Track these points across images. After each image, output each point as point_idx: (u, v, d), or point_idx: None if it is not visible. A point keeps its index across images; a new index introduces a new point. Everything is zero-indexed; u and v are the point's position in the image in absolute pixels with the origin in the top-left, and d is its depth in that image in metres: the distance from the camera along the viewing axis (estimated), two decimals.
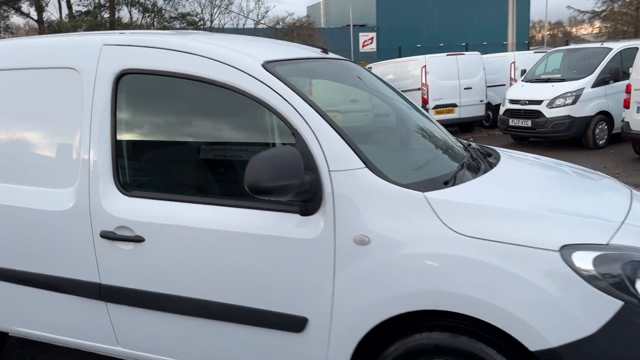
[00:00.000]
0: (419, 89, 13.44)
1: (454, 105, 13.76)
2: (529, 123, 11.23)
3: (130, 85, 2.82)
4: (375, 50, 37.23)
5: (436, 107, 13.53)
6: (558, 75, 11.53)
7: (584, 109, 10.75)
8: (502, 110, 12.05)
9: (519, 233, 2.20)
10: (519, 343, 2.15)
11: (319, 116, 2.45)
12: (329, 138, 2.40)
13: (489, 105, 14.49)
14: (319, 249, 2.38)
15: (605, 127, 11.05)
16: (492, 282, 2.15)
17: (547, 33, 55.86)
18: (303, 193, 2.33)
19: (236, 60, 2.60)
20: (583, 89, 10.79)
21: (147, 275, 2.74)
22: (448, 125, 13.86)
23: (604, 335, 2.06)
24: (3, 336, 3.46)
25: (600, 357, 2.08)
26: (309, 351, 2.51)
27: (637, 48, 11.39)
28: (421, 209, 2.29)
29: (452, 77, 13.65)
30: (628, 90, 9.53)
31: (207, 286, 2.63)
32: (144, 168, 2.91)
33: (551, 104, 10.84)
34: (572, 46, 14.08)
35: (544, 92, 11.12)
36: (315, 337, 2.47)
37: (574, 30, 65.41)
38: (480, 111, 14.22)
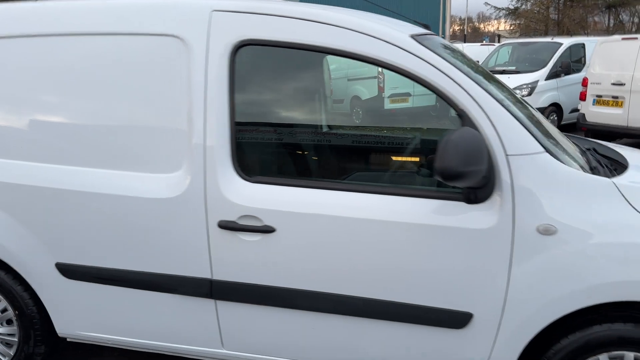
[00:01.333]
0: (375, 77, 13.43)
1: (408, 95, 13.89)
2: None
3: (249, 59, 2.52)
4: None
5: (391, 95, 13.60)
6: (513, 68, 11.92)
7: (538, 101, 11.19)
8: None
9: None
10: None
11: (489, 95, 2.28)
12: (503, 119, 2.25)
13: None
14: (494, 239, 2.24)
15: (556, 118, 11.56)
16: None
17: (458, 28, 57.87)
18: (482, 179, 2.17)
19: (384, 32, 2.38)
20: (537, 81, 11.22)
21: (276, 269, 2.47)
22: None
23: None
24: (54, 341, 3.03)
25: None
26: (468, 349, 2.36)
27: (583, 44, 12.03)
28: (611, 196, 2.20)
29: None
30: (585, 83, 9.99)
31: (349, 280, 2.41)
32: (268, 151, 2.62)
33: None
34: (521, 40, 14.59)
35: None
36: (479, 333, 2.33)
37: (482, 26, 68.35)
38: (432, 101, 14.43)
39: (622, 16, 35.77)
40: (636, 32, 29.64)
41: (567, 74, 11.42)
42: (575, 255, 2.17)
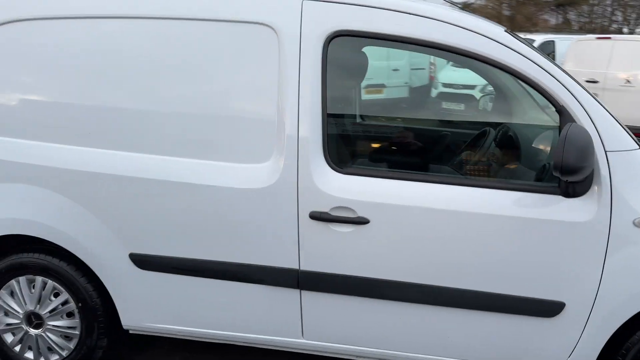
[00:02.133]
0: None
1: (383, 86, 14.05)
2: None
3: (342, 49, 2.51)
4: None
5: (366, 86, 13.68)
6: None
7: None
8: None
9: None
10: None
11: (585, 91, 2.36)
12: (601, 116, 2.33)
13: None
14: (591, 232, 2.32)
15: None
16: None
17: None
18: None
19: (481, 27, 2.42)
20: None
21: (368, 261, 2.49)
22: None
23: None
24: (116, 334, 2.95)
25: None
26: (557, 338, 2.45)
27: (553, 42, 12.44)
28: None
29: (381, 58, 13.86)
30: None
31: (441, 271, 2.45)
32: (358, 143, 2.62)
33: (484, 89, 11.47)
34: None
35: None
36: (569, 323, 2.42)
37: None
38: (404, 93, 14.63)
39: (569, 15, 37.13)
40: (579, 30, 30.80)
41: None
42: None
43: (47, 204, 2.68)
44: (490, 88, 3.42)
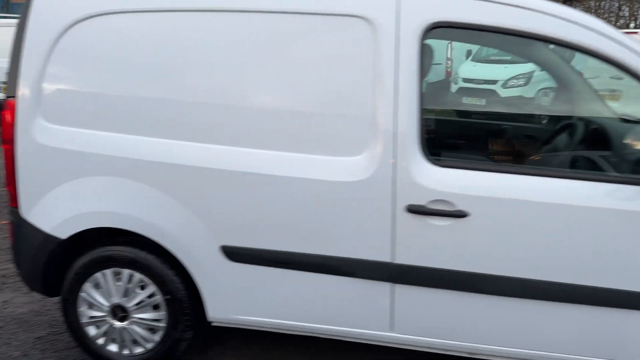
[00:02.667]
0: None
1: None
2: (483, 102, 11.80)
3: (438, 42, 2.51)
4: None
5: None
6: (509, 57, 12.18)
7: (534, 91, 11.52)
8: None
9: None
10: None
11: None
12: None
13: None
14: None
15: None
16: None
17: None
18: None
19: (582, 18, 2.42)
20: (534, 71, 11.52)
21: (465, 254, 2.49)
22: None
23: None
24: (200, 326, 2.96)
25: None
26: None
27: None
28: None
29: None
30: None
31: (543, 265, 2.45)
32: (454, 136, 2.62)
33: (505, 84, 11.46)
34: None
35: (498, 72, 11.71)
36: None
37: None
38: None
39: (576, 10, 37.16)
40: None
41: None
42: None
43: (140, 197, 2.69)
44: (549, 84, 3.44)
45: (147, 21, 2.63)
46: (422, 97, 2.47)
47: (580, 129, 2.67)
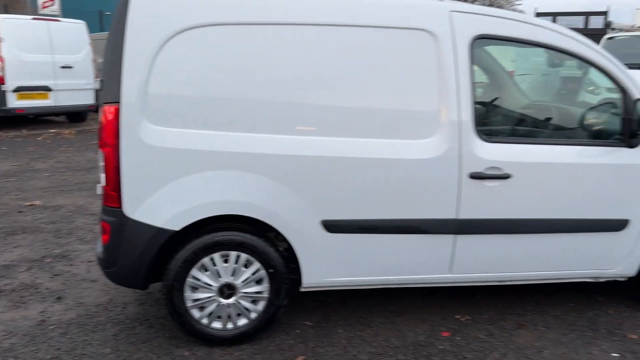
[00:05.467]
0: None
1: (47, 89, 11.92)
2: None
3: (481, 48, 3.37)
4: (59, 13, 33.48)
5: (18, 89, 11.43)
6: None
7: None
8: None
9: None
10: None
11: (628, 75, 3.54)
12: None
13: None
14: None
15: None
16: None
17: None
18: None
19: (575, 35, 3.47)
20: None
21: (510, 206, 3.39)
22: (41, 114, 12.58)
23: None
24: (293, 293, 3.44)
25: None
26: (621, 245, 3.60)
27: None
28: None
29: (43, 51, 11.70)
30: None
31: (560, 206, 3.45)
32: (497, 120, 3.50)
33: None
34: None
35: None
36: (630, 234, 3.59)
37: None
38: (87, 98, 12.51)
39: None
40: None
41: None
42: None
43: (253, 186, 3.11)
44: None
45: (249, 32, 3.06)
46: (474, 91, 3.30)
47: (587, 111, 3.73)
